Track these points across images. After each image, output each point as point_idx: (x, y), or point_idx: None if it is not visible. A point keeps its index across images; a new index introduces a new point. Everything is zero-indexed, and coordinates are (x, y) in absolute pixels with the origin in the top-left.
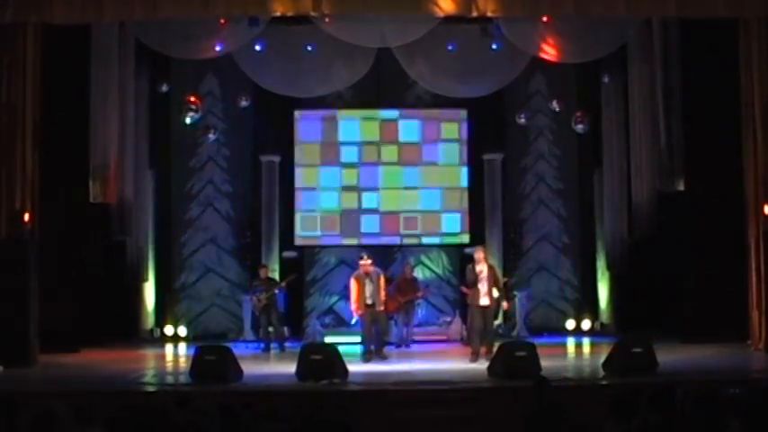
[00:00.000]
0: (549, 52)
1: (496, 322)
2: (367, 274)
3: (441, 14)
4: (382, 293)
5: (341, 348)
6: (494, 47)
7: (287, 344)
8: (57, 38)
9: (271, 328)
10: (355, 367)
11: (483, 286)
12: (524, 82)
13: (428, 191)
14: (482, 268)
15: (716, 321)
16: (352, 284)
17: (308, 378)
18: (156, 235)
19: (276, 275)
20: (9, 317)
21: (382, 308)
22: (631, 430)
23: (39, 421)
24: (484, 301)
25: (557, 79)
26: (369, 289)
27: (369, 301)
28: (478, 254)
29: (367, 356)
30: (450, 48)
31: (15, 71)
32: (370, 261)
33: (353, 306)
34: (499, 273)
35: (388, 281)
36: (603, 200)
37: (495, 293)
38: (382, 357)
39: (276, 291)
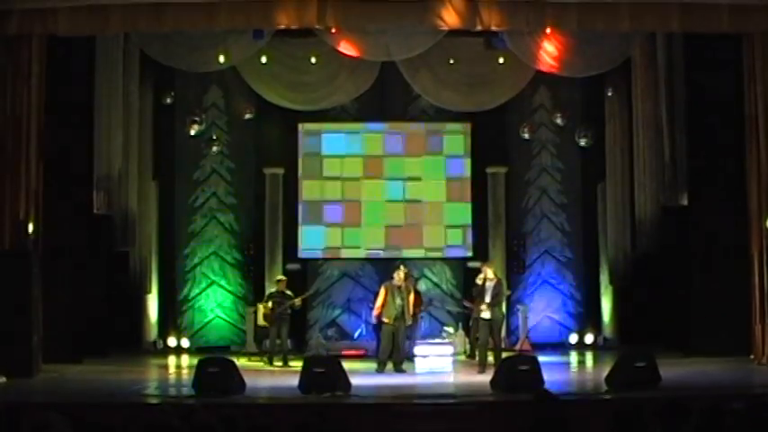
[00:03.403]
0: (552, 66)
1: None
2: (399, 287)
3: (445, 28)
4: (410, 309)
5: (344, 361)
6: (501, 60)
7: (289, 356)
8: (61, 49)
9: (278, 341)
10: (358, 380)
11: (487, 299)
12: (528, 95)
13: (431, 204)
14: (488, 283)
15: (719, 335)
16: (381, 292)
17: (311, 390)
18: (159, 246)
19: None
20: (12, 327)
21: (409, 322)
22: None
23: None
24: (485, 314)
25: (560, 93)
26: (397, 302)
27: (397, 315)
28: (484, 269)
29: (380, 368)
30: (453, 61)
31: (20, 82)
32: (406, 272)
33: (375, 312)
34: (503, 287)
35: (417, 296)
36: (607, 214)
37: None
38: (400, 371)
39: (289, 309)
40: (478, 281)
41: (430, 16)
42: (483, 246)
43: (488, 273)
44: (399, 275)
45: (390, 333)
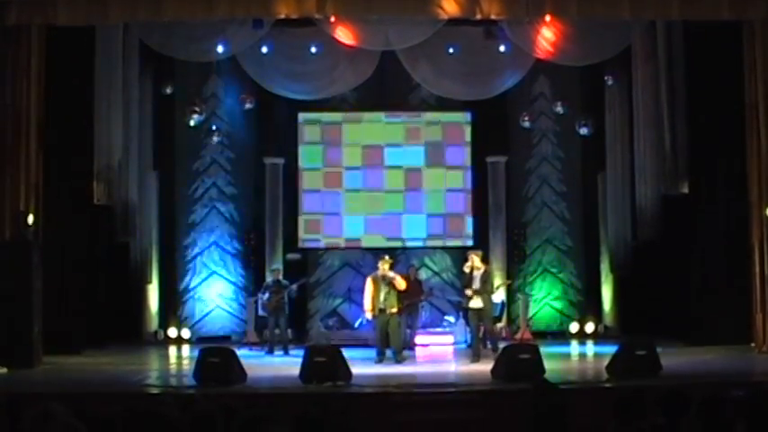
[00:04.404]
0: (549, 52)
1: (500, 325)
2: (383, 276)
3: (445, 17)
4: (393, 299)
5: (345, 351)
6: (501, 49)
7: (290, 346)
8: (61, 39)
9: (277, 330)
10: (359, 369)
11: (476, 287)
12: (528, 84)
13: (432, 193)
14: (476, 272)
15: (720, 324)
16: (368, 285)
17: (312, 380)
18: (159, 237)
19: (280, 277)
20: (13, 318)
21: (394, 310)
22: None
23: (36, 421)
24: (473, 303)
25: (560, 82)
26: (383, 292)
27: (382, 306)
28: (471, 257)
29: (379, 359)
30: (453, 50)
31: (20, 73)
32: (388, 264)
33: (366, 307)
34: (493, 275)
35: (418, 285)
36: (607, 202)
37: (498, 296)
38: (400, 361)
39: (286, 295)
40: (466, 269)
41: (429, 5)
42: (483, 235)
43: (476, 261)
44: (384, 265)
45: (383, 323)
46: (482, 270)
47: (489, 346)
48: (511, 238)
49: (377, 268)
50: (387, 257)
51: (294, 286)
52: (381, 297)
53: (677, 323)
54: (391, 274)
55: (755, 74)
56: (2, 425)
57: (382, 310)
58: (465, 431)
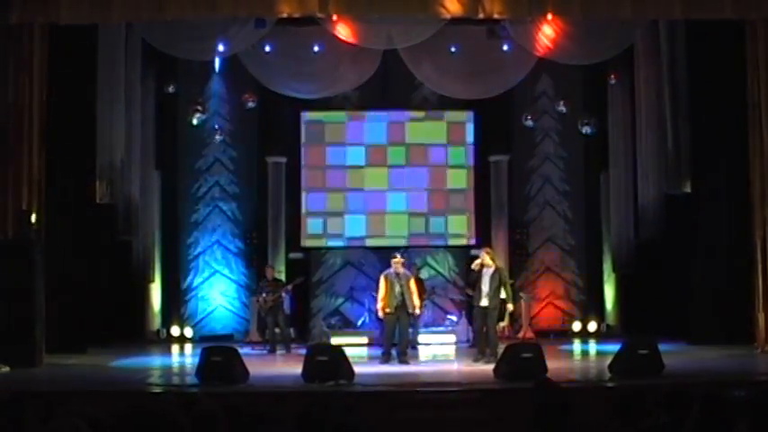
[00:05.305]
0: (555, 54)
1: (502, 324)
2: (397, 274)
3: (447, 16)
4: (414, 297)
5: (347, 350)
6: (504, 48)
7: (292, 345)
8: (64, 38)
9: (277, 330)
10: (361, 369)
11: (485, 287)
12: (531, 83)
13: (434, 192)
14: (486, 270)
15: (722, 323)
16: (381, 283)
17: (314, 379)
18: (162, 236)
19: (282, 277)
20: (15, 317)
21: (415, 311)
22: None
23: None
24: (483, 302)
25: (563, 81)
26: (396, 290)
27: (396, 304)
28: (483, 255)
29: (384, 358)
30: (455, 49)
31: (22, 72)
32: (402, 261)
33: (379, 305)
34: (506, 274)
35: (420, 284)
36: (610, 201)
37: (502, 295)
38: (403, 362)
39: (283, 293)
40: (474, 267)
41: (432, 4)
42: (486, 234)
43: (486, 259)
44: (397, 264)
45: (392, 322)
46: (492, 268)
47: (488, 350)
48: (513, 237)
49: (389, 266)
50: (399, 256)
51: (289, 286)
52: (396, 294)
53: (679, 322)
54: (404, 271)
55: (758, 73)
56: (5, 424)
57: (397, 308)
58: (467, 430)
